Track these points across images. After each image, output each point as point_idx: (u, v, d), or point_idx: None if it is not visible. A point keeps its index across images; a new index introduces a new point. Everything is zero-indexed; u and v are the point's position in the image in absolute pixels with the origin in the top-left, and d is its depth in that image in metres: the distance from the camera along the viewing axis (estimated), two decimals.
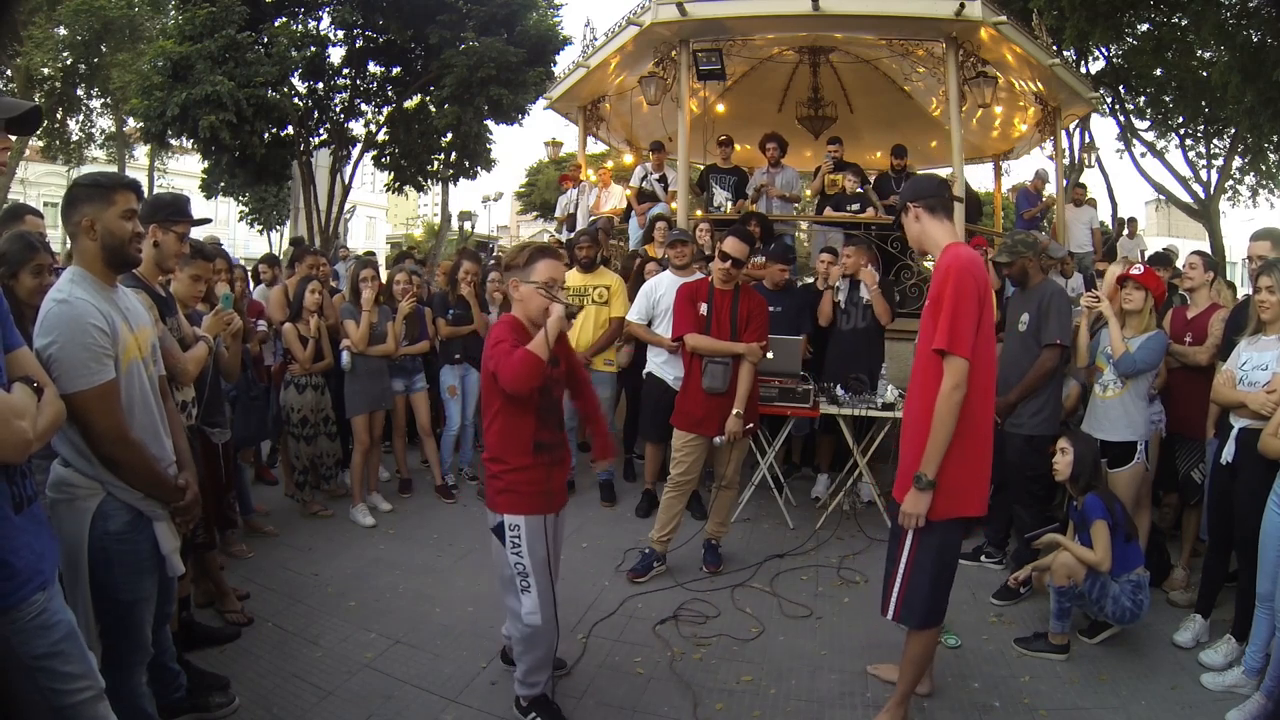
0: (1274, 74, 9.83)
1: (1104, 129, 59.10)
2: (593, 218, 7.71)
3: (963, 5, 5.97)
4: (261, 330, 4.75)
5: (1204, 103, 13.09)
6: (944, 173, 8.78)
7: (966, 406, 2.28)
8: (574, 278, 4.92)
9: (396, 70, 15.00)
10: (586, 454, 5.71)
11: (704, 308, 3.75)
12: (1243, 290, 5.47)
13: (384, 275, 5.25)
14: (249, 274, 5.80)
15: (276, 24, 13.17)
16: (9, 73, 14.47)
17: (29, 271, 2.17)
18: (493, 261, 6.97)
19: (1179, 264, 5.12)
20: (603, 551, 4.09)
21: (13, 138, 1.85)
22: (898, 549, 2.49)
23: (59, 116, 15.86)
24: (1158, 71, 13.21)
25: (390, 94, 15.21)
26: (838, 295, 4.92)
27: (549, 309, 2.43)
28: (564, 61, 12.88)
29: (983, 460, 2.41)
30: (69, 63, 14.97)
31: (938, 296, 2.32)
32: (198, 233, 3.43)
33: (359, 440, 4.54)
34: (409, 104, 15.25)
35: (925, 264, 6.29)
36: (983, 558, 4.00)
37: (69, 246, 2.11)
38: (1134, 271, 3.59)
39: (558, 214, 8.81)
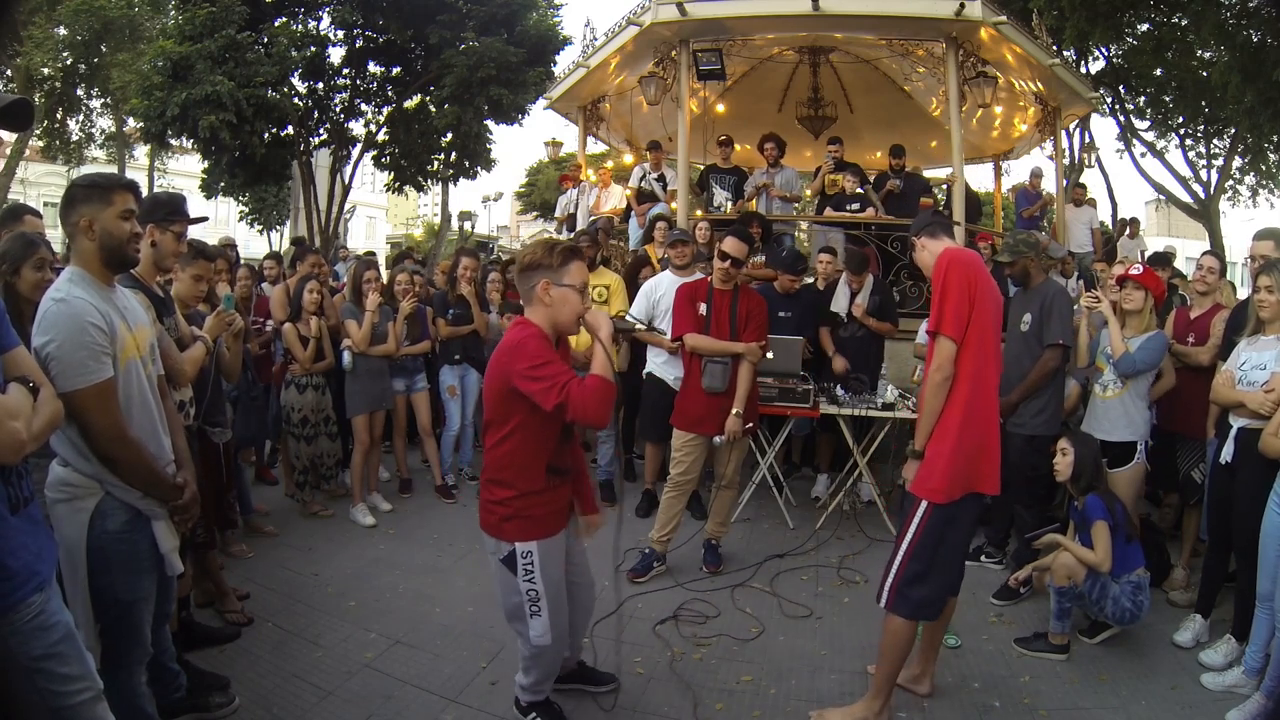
0: (1274, 74, 9.83)
1: (1104, 129, 59.19)
2: (593, 218, 7.70)
3: (963, 5, 5.97)
4: (267, 332, 4.75)
5: (1204, 103, 13.10)
6: (944, 173, 8.79)
7: (959, 387, 2.41)
8: None
9: (396, 70, 15.02)
10: (587, 453, 5.70)
11: (703, 308, 3.75)
12: (1243, 290, 5.47)
13: (384, 275, 5.25)
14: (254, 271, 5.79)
15: (276, 24, 13.20)
16: (9, 73, 14.47)
17: (31, 266, 2.18)
18: (492, 260, 6.97)
19: (1189, 265, 5.12)
20: (603, 551, 4.07)
21: (11, 136, 1.85)
22: (901, 534, 2.53)
23: (59, 116, 15.85)
24: (1158, 71, 13.21)
25: (390, 94, 15.24)
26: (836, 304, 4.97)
27: (595, 321, 2.23)
28: (564, 61, 12.92)
29: (981, 441, 2.46)
30: (69, 63, 14.96)
31: (934, 289, 2.49)
32: (211, 234, 3.43)
33: (359, 440, 4.54)
34: (409, 104, 15.27)
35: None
36: (983, 558, 4.00)
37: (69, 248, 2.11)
38: (1133, 271, 3.59)
39: (558, 214, 8.80)
